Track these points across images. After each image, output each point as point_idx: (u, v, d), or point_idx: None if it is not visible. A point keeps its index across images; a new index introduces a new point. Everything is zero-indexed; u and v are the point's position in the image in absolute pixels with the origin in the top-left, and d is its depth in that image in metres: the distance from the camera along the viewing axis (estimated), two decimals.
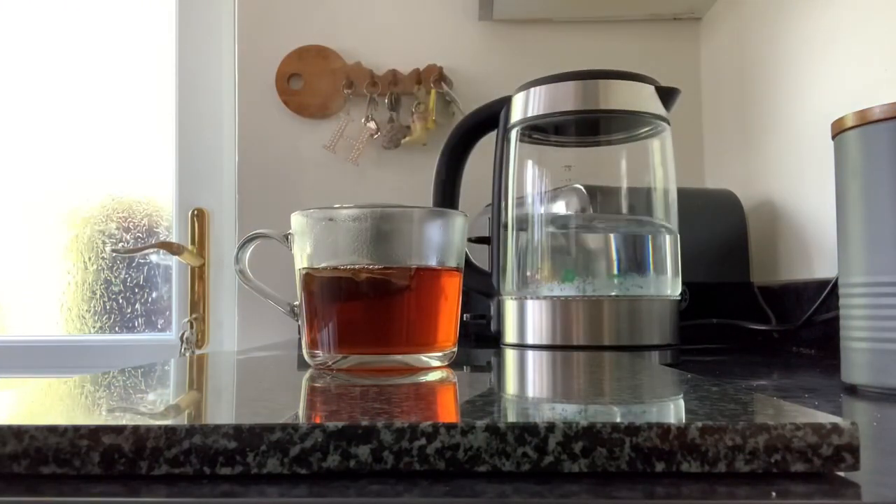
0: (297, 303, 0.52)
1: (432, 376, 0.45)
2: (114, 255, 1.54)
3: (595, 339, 0.75)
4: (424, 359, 0.49)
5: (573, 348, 0.75)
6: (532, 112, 0.81)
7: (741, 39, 1.20)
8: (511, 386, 0.45)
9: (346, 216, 0.49)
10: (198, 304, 1.48)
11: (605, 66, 0.81)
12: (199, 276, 1.49)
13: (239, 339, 1.41)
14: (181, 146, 1.49)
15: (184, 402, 0.37)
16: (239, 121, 1.42)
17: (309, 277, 0.50)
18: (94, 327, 1.55)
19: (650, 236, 0.81)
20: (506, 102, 0.85)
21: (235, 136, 1.42)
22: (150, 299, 1.56)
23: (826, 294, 0.82)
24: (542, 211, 0.85)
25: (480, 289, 0.87)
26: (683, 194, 0.83)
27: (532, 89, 0.82)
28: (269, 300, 0.55)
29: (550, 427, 0.25)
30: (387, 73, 1.39)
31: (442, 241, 0.50)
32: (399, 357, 0.48)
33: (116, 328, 1.55)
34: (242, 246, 0.54)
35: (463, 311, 0.52)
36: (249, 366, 0.58)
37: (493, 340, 0.86)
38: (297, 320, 0.52)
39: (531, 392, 0.41)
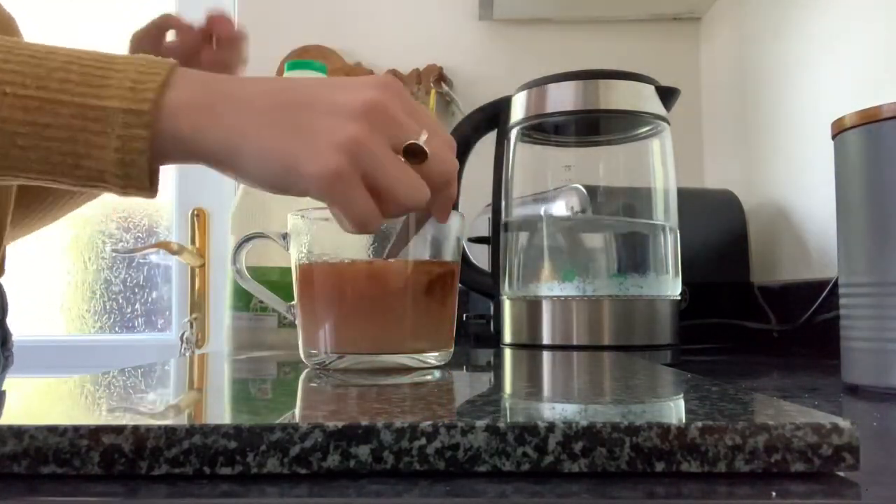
0: (293, 303, 0.52)
1: (431, 376, 0.45)
2: (114, 254, 1.54)
3: (595, 339, 0.75)
4: (420, 359, 0.48)
5: (573, 348, 0.75)
6: (532, 112, 0.81)
7: (741, 39, 1.20)
8: (511, 386, 0.45)
9: None
10: (198, 304, 1.48)
11: (605, 66, 0.81)
12: (199, 276, 1.48)
13: None
14: None
15: (184, 402, 0.37)
16: None
17: (305, 277, 0.50)
18: (94, 327, 1.55)
19: (650, 236, 0.81)
20: (506, 102, 0.85)
21: None
22: (150, 299, 1.56)
23: (826, 294, 0.82)
24: (542, 211, 0.85)
25: (480, 289, 0.87)
26: (683, 194, 0.83)
27: (532, 89, 0.82)
28: (266, 300, 0.55)
29: (550, 427, 0.25)
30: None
31: (438, 241, 0.50)
32: (395, 357, 0.48)
33: (116, 328, 1.55)
34: (240, 246, 0.54)
35: (463, 312, 0.52)
36: (248, 366, 0.58)
37: (493, 340, 0.86)
38: (294, 320, 0.52)
39: (531, 392, 0.41)
